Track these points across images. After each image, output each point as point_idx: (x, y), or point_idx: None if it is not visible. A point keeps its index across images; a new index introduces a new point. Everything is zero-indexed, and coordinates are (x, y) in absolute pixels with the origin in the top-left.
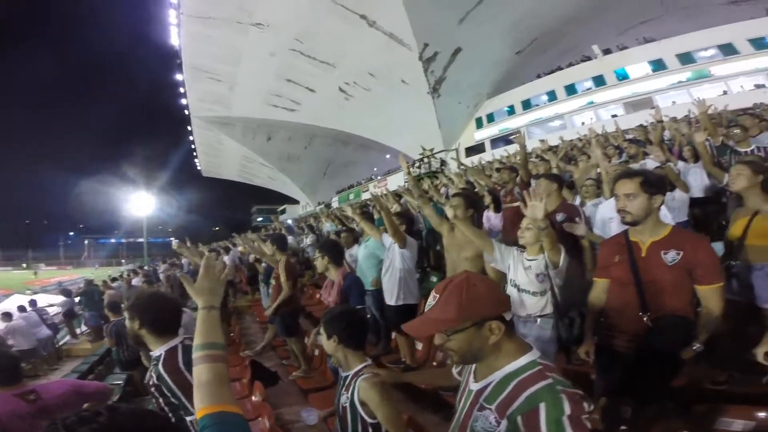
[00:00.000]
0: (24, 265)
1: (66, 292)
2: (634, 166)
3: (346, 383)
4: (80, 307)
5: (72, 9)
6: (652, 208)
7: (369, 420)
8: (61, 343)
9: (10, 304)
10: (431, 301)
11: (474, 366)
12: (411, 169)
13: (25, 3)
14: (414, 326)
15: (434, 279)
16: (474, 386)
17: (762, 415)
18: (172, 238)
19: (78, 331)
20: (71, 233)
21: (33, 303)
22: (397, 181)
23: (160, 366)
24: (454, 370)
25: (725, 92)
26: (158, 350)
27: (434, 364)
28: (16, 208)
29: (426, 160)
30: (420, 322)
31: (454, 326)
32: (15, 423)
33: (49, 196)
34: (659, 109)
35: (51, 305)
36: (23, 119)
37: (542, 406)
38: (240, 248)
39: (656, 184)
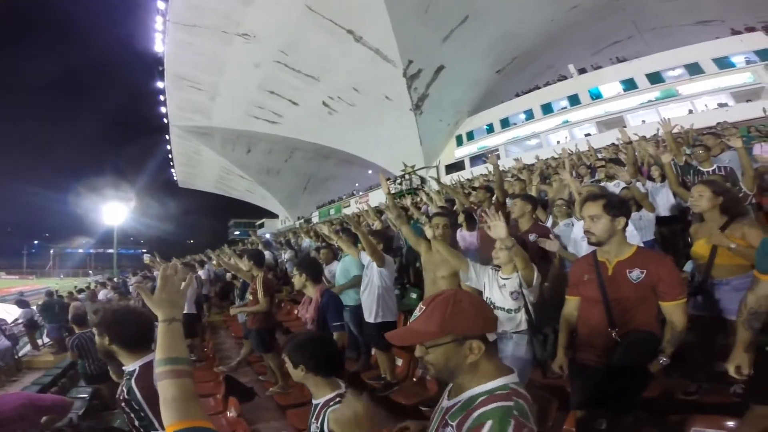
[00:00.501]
0: None
1: (22, 303)
2: (609, 185)
3: (316, 412)
4: (41, 319)
5: (56, 9)
6: (616, 229)
7: None
8: (21, 355)
9: None
10: (417, 312)
11: (450, 385)
12: (391, 187)
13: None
14: (396, 335)
15: (414, 296)
16: (445, 403)
17: (730, 423)
18: (143, 250)
19: (40, 342)
20: (35, 242)
21: None
22: (379, 197)
23: (133, 381)
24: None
25: (691, 111)
26: (132, 365)
27: (414, 380)
28: None
29: (407, 176)
30: (402, 332)
31: (434, 340)
32: None
33: (14, 202)
34: (625, 132)
35: (16, 320)
36: None
37: (488, 424)
38: (214, 262)
39: (618, 207)
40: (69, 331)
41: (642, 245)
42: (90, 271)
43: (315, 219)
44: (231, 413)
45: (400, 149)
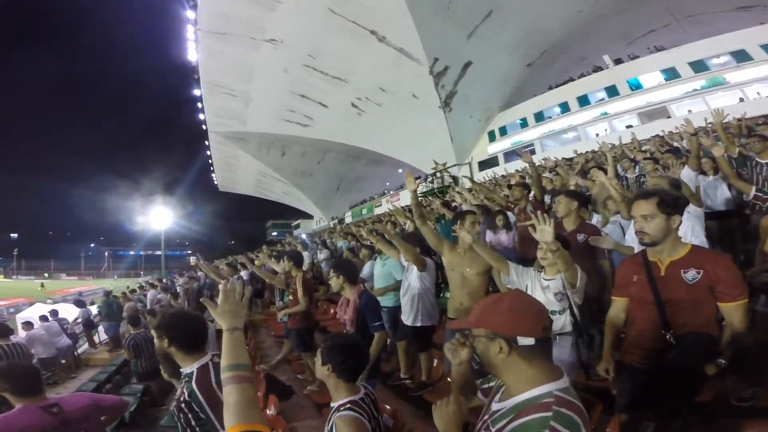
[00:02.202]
0: (46, 275)
1: (79, 303)
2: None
3: (330, 414)
4: (99, 318)
5: (88, 23)
6: (671, 228)
7: None
8: (80, 352)
9: (32, 313)
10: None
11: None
12: (422, 185)
13: (47, 21)
14: (455, 325)
15: (448, 295)
16: (494, 405)
17: None
18: (188, 252)
19: (96, 340)
20: (92, 245)
21: (54, 313)
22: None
23: (193, 383)
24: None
25: (742, 99)
26: (189, 368)
27: (449, 380)
28: (39, 220)
29: (439, 174)
30: (456, 322)
31: (475, 330)
32: None
33: (71, 208)
34: (691, 122)
35: (76, 320)
36: (46, 135)
37: None
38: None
39: (673, 204)
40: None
41: (698, 243)
42: (141, 272)
43: (348, 219)
44: (271, 411)
45: (430, 147)
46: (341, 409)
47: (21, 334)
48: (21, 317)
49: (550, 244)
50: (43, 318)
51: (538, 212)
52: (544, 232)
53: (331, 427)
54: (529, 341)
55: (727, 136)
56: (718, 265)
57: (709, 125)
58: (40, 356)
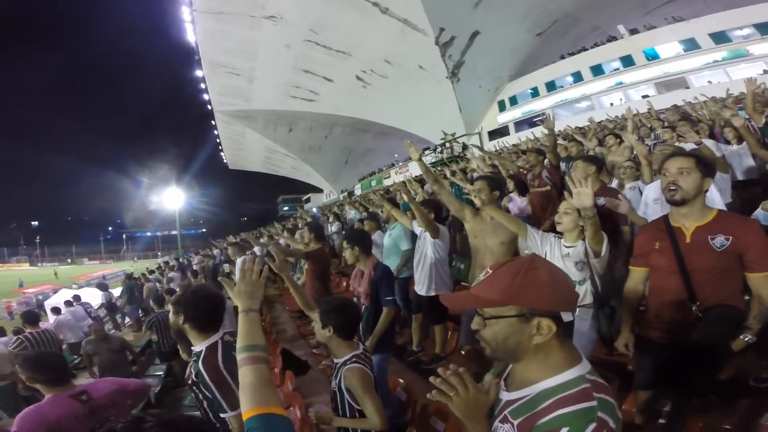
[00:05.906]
0: (69, 261)
1: (102, 287)
2: (683, 146)
3: (336, 370)
4: (122, 301)
5: (86, 12)
6: (702, 189)
7: (356, 406)
8: None
9: (59, 299)
10: (481, 276)
11: (507, 372)
12: (431, 155)
13: (47, 9)
14: (452, 298)
15: (461, 266)
16: (504, 395)
17: None
18: (203, 230)
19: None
20: (110, 228)
21: (77, 298)
22: (418, 168)
23: (200, 363)
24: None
25: (766, 71)
26: (199, 346)
27: (462, 353)
28: (57, 207)
29: (448, 144)
30: (460, 296)
31: (494, 310)
32: (72, 425)
33: (87, 194)
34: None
35: (101, 304)
36: (56, 124)
37: (563, 431)
38: (263, 240)
39: (710, 166)
40: (144, 311)
41: (725, 209)
42: (159, 253)
43: (358, 191)
44: (287, 387)
45: (438, 118)
46: (347, 363)
47: (50, 320)
48: (49, 303)
49: (587, 209)
50: (68, 303)
51: (576, 174)
52: (581, 195)
53: (339, 380)
54: (569, 317)
55: (755, 105)
56: (748, 232)
57: (731, 96)
58: (69, 341)
